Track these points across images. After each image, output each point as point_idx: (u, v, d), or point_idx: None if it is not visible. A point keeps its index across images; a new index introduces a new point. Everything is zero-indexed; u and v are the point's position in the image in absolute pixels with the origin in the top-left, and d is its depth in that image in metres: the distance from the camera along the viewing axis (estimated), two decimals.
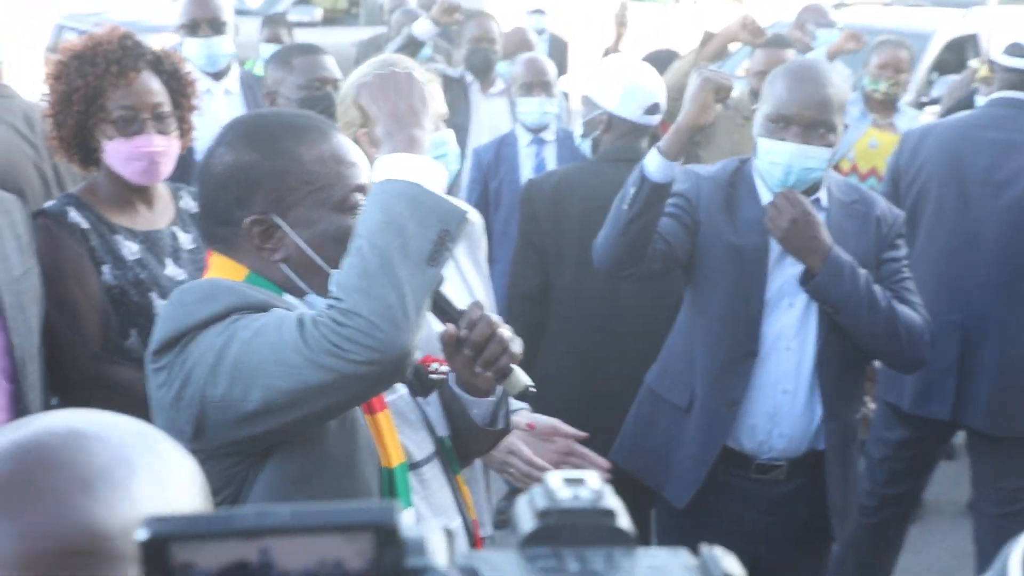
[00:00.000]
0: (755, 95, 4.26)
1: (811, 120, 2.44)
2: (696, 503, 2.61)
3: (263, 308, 1.46)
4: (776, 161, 2.47)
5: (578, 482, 0.64)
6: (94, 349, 2.29)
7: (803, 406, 2.56)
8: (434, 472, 1.68)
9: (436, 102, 2.24)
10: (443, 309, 1.58)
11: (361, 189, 1.56)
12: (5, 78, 3.20)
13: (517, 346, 1.59)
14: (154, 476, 0.78)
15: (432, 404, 1.72)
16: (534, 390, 1.61)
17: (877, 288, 2.50)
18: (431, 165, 1.44)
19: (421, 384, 1.71)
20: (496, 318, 1.58)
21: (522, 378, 1.61)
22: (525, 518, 0.63)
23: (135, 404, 2.22)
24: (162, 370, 1.46)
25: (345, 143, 1.59)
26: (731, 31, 3.74)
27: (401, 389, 1.68)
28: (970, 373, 3.25)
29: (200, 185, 1.60)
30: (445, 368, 1.71)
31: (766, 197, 2.54)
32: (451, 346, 1.58)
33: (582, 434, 2.20)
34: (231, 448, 1.46)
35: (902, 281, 2.60)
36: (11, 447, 0.77)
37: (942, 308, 3.24)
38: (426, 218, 1.38)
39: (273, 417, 1.41)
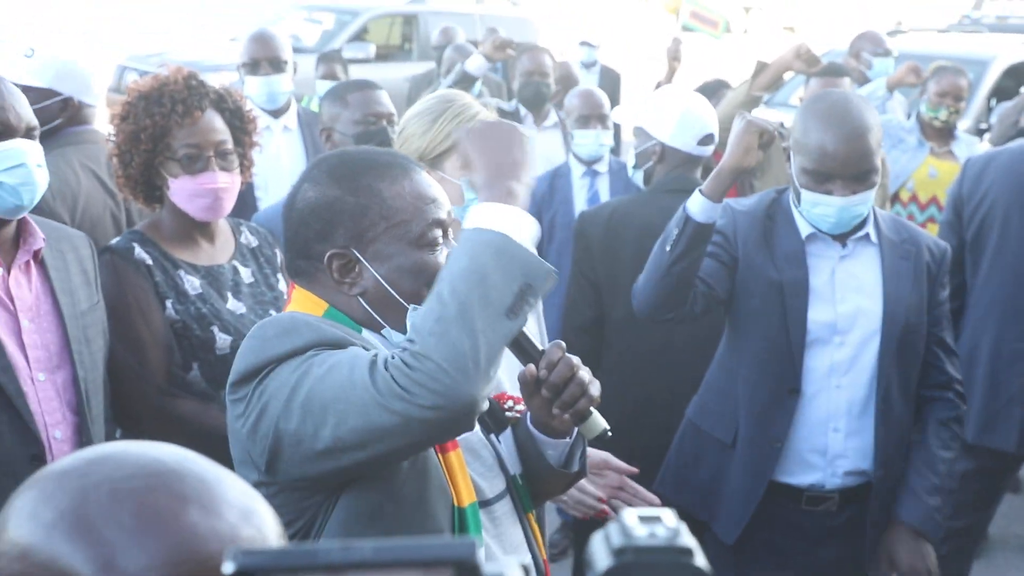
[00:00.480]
0: None
1: (855, 173, 2.40)
2: (747, 536, 2.58)
3: (341, 345, 1.48)
4: (825, 214, 2.46)
5: (654, 520, 0.64)
6: (158, 383, 2.33)
7: (856, 445, 2.53)
8: (505, 510, 1.67)
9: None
10: (523, 348, 1.58)
11: (440, 224, 1.58)
12: (95, 122, 3.27)
13: (596, 389, 1.58)
14: (227, 503, 0.79)
15: (505, 441, 1.71)
16: (611, 435, 1.60)
17: (935, 459, 2.55)
18: (524, 218, 1.44)
19: (495, 421, 1.70)
20: (576, 360, 1.57)
21: (600, 422, 1.60)
22: (601, 556, 0.63)
23: (197, 437, 2.27)
24: (240, 402, 1.49)
25: (426, 180, 1.61)
26: (785, 60, 3.71)
27: (475, 426, 1.68)
28: (1007, 397, 3.19)
29: (285, 220, 1.63)
30: (521, 407, 1.72)
31: (805, 230, 2.53)
32: (529, 386, 1.58)
33: (633, 469, 2.19)
34: (303, 483, 1.48)
35: (942, 326, 2.60)
36: (136, 468, 0.78)
37: (1008, 336, 3.19)
38: (510, 270, 1.38)
39: (343, 455, 1.42)
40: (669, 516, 0.63)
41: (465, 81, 4.36)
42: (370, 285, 1.56)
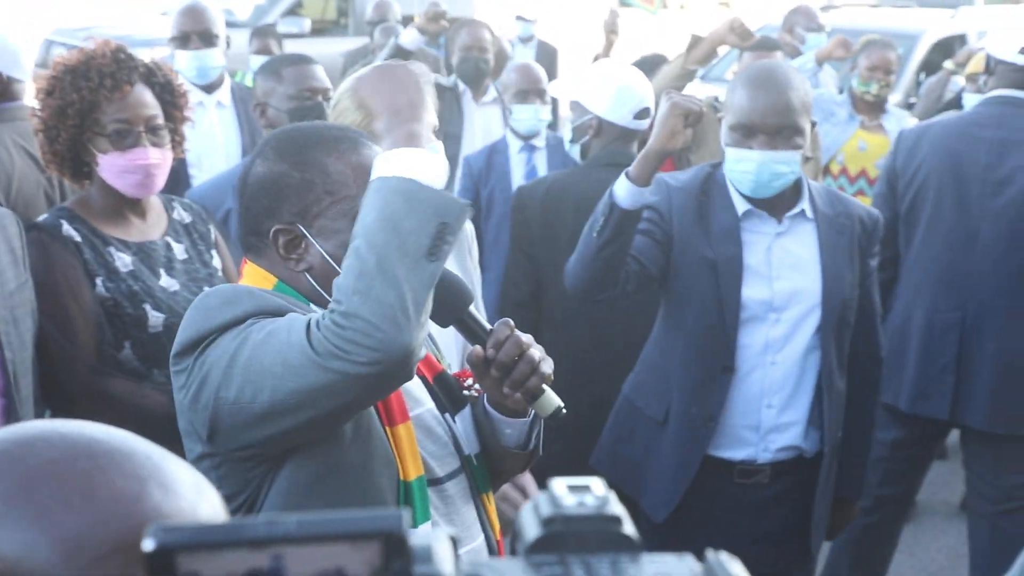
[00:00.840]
0: None
1: (775, 126, 2.41)
2: (678, 513, 2.59)
3: (281, 313, 1.47)
4: (746, 170, 2.45)
5: (583, 489, 0.64)
6: (89, 362, 2.29)
7: (790, 419, 2.56)
8: (458, 489, 1.65)
9: (433, 111, 2.25)
10: (471, 328, 1.57)
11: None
12: (26, 97, 3.17)
13: (548, 366, 1.57)
14: (180, 481, 0.77)
15: (463, 420, 1.69)
16: (565, 411, 1.59)
17: (865, 435, 2.71)
18: (430, 158, 1.42)
19: (452, 400, 1.69)
20: (526, 338, 1.56)
21: (553, 400, 1.59)
22: (530, 525, 0.63)
23: (129, 417, 2.23)
24: (182, 372, 1.48)
25: (375, 155, 1.58)
26: (719, 34, 3.73)
27: (428, 403, 1.66)
28: (969, 371, 3.25)
29: (238, 195, 1.62)
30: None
31: (741, 207, 2.52)
32: (479, 366, 1.58)
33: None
34: (246, 452, 1.47)
35: (871, 293, 2.66)
36: (58, 441, 0.75)
37: (941, 306, 3.25)
38: (423, 213, 1.36)
39: (282, 419, 1.41)
40: (598, 485, 0.63)
41: (399, 55, 4.33)
42: (316, 261, 1.54)
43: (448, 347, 1.76)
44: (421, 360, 1.66)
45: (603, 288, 2.45)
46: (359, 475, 1.51)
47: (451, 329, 1.66)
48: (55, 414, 2.35)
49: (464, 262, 2.41)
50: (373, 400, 1.47)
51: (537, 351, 1.57)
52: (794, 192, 2.54)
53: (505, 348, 1.54)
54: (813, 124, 2.53)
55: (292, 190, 1.54)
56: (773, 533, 2.63)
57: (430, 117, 1.53)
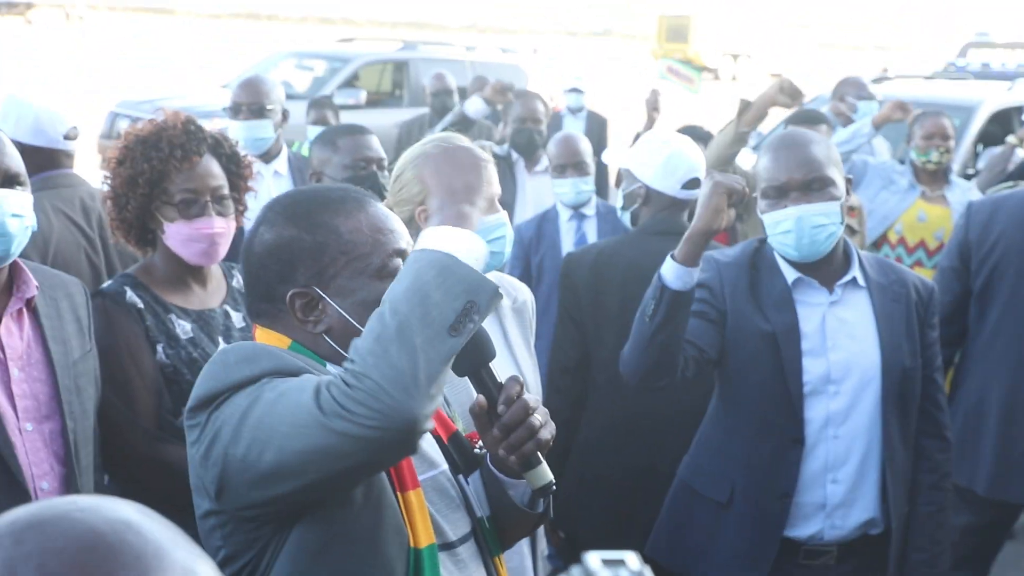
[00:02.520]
0: None
1: (804, 181, 2.41)
2: None
3: (299, 374, 1.47)
4: (786, 229, 2.43)
5: (618, 563, 0.63)
6: (148, 428, 2.32)
7: (857, 496, 2.49)
8: (470, 553, 1.63)
9: (494, 183, 2.27)
10: (485, 384, 1.57)
11: (400, 254, 1.58)
12: (74, 166, 3.30)
13: (547, 433, 1.55)
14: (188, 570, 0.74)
15: (474, 483, 1.69)
16: (555, 488, 1.57)
17: (932, 527, 2.55)
18: (471, 238, 1.43)
19: (464, 461, 1.68)
20: (534, 401, 1.55)
21: (544, 473, 1.57)
22: None
23: (185, 483, 2.26)
24: (195, 427, 1.48)
25: (382, 212, 1.61)
26: (769, 95, 3.75)
27: (442, 465, 1.65)
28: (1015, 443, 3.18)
29: (244, 263, 1.62)
30: None
31: (791, 276, 2.50)
32: (482, 420, 1.57)
33: None
34: (251, 512, 1.47)
35: (934, 367, 2.58)
36: (70, 540, 0.73)
37: (1022, 387, 3.16)
38: (453, 288, 1.36)
39: (286, 480, 1.40)
40: (632, 559, 0.63)
41: (462, 123, 4.42)
42: (334, 321, 1.55)
43: (463, 407, 1.77)
44: (437, 418, 1.67)
45: (661, 375, 2.40)
46: (368, 542, 1.49)
47: (465, 390, 1.64)
48: (113, 480, 2.38)
49: (525, 332, 2.42)
50: (376, 468, 1.45)
51: (540, 417, 1.55)
52: (844, 261, 2.52)
53: (512, 409, 1.53)
54: (848, 182, 2.50)
55: (306, 253, 1.55)
56: None
57: (486, 197, 1.54)
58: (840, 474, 2.48)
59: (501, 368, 1.65)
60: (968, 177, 6.11)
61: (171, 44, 28.31)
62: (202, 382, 1.49)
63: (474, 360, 1.56)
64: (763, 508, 2.49)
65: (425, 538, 1.53)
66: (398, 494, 1.53)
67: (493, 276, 2.42)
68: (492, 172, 2.26)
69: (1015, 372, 3.17)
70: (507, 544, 1.75)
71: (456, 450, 1.67)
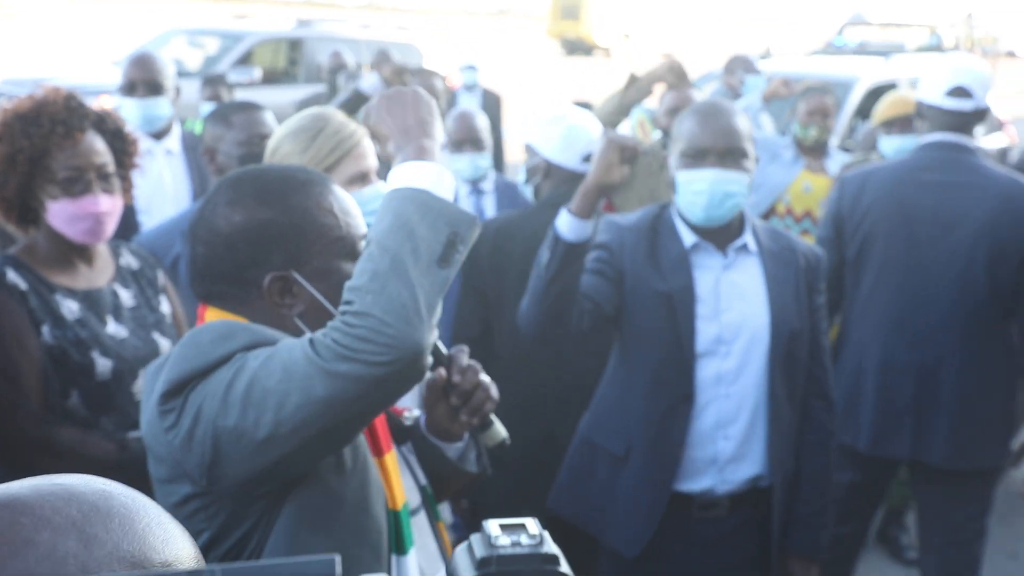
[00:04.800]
0: (667, 136, 4.38)
1: (725, 148, 2.51)
2: (645, 549, 2.60)
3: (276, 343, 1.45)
4: (698, 190, 2.51)
5: (517, 528, 0.63)
6: (35, 411, 2.26)
7: (746, 451, 2.58)
8: (422, 521, 1.67)
9: (370, 156, 2.28)
10: (436, 355, 1.59)
11: (365, 236, 1.59)
12: None
13: (495, 391, 1.62)
14: (145, 522, 0.71)
15: (409, 452, 1.72)
16: (509, 443, 1.63)
17: (819, 481, 2.65)
18: (441, 172, 1.46)
19: (398, 433, 1.70)
20: (478, 364, 1.61)
21: (500, 430, 1.63)
22: (464, 567, 0.62)
23: (79, 466, 2.21)
24: (171, 412, 1.42)
25: (343, 194, 1.62)
26: (657, 73, 3.83)
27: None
28: (927, 411, 3.30)
29: (200, 243, 1.56)
30: (415, 413, 1.73)
31: (688, 240, 2.58)
32: (437, 391, 1.61)
33: None
34: (244, 487, 1.43)
35: (820, 330, 2.67)
36: None
37: (897, 348, 3.30)
38: (435, 221, 1.38)
39: (287, 440, 1.36)
40: (532, 524, 0.63)
41: (357, 100, 4.38)
42: (308, 304, 1.53)
43: None
44: None
45: (555, 325, 2.47)
46: (358, 506, 1.50)
47: None
48: (4, 465, 2.31)
49: None
50: (382, 406, 1.42)
51: (487, 377, 1.62)
52: (737, 226, 2.60)
53: (467, 375, 1.59)
54: (756, 159, 2.59)
55: (282, 236, 1.52)
56: (733, 566, 2.65)
57: (439, 133, 1.55)
58: (731, 431, 2.57)
59: None
60: (847, 150, 6.32)
61: (58, 21, 27.33)
62: (175, 365, 1.43)
63: None
64: (656, 462, 2.58)
65: (400, 499, 1.56)
66: (374, 458, 1.55)
67: None
68: (368, 146, 2.28)
69: (889, 336, 3.32)
70: (439, 501, 1.79)
71: (391, 423, 1.70)
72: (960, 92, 3.34)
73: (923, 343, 3.29)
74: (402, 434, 1.71)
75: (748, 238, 2.61)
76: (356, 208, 1.62)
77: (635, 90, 3.77)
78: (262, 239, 1.52)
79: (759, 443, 2.59)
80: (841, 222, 3.47)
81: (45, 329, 2.28)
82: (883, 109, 4.66)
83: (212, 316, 1.56)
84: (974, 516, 3.36)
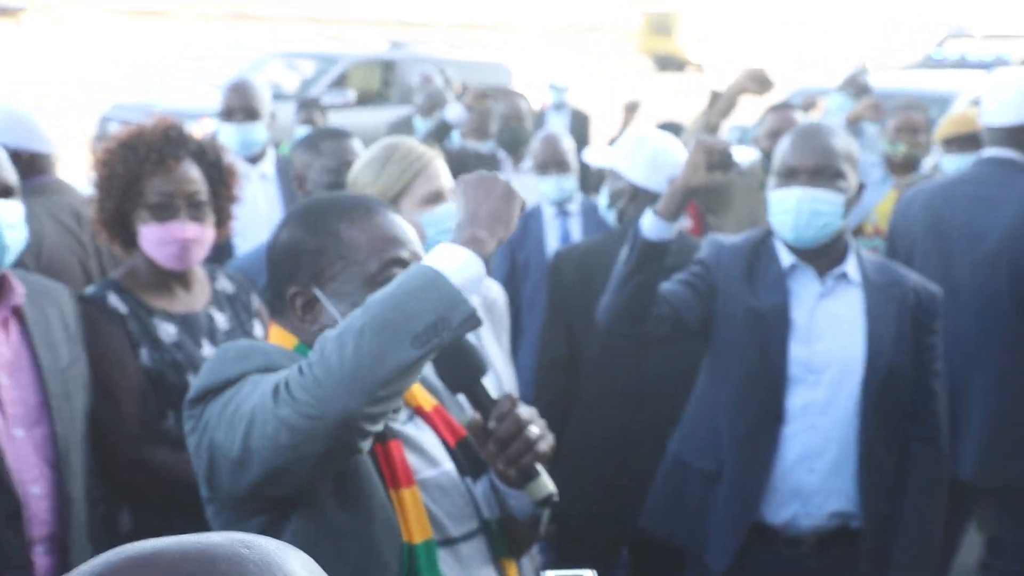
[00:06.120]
0: (768, 158, 4.32)
1: (816, 167, 2.47)
2: (730, 571, 2.57)
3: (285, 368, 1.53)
4: (786, 208, 2.48)
5: None
6: (133, 432, 2.34)
7: (833, 487, 2.51)
8: (475, 551, 1.65)
9: (442, 177, 2.34)
10: (478, 399, 1.59)
11: (398, 263, 1.61)
12: (58, 171, 3.32)
13: (544, 445, 1.58)
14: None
15: (483, 485, 1.70)
16: (556, 499, 1.59)
17: (921, 529, 2.53)
18: (471, 261, 1.46)
19: (472, 464, 1.70)
20: (528, 414, 1.57)
21: (545, 485, 1.58)
22: None
23: (173, 485, 2.29)
24: (191, 419, 1.55)
25: (390, 220, 1.65)
26: (739, 84, 3.76)
27: (447, 465, 1.68)
28: (959, 425, 3.22)
29: (266, 262, 1.70)
30: None
31: (786, 260, 2.54)
32: (479, 435, 1.60)
33: None
34: (238, 503, 1.52)
35: (930, 374, 2.56)
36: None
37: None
38: (429, 301, 1.40)
39: (250, 468, 1.45)
40: (589, 574, 0.64)
41: (443, 130, 4.45)
42: (328, 322, 1.60)
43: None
44: (445, 424, 1.71)
45: (631, 321, 2.48)
46: (360, 538, 1.52)
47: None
48: (103, 483, 2.40)
49: (498, 333, 2.47)
50: (318, 463, 1.45)
51: (536, 430, 1.57)
52: (839, 253, 2.55)
53: (504, 424, 1.56)
54: (862, 186, 2.54)
55: (308, 255, 1.62)
56: None
57: (506, 230, 1.55)
58: (816, 464, 2.51)
59: None
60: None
61: (162, 47, 28.28)
62: (201, 377, 1.56)
63: (465, 377, 1.59)
64: (742, 482, 2.54)
65: (420, 534, 1.56)
66: (391, 491, 1.56)
67: None
68: (439, 166, 2.34)
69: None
70: (520, 549, 1.75)
71: (464, 454, 1.70)
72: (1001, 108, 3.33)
73: (953, 358, 3.19)
74: (478, 467, 1.70)
75: (850, 267, 2.55)
76: (406, 236, 1.64)
77: (719, 107, 3.73)
78: (291, 256, 1.63)
79: (848, 480, 2.51)
80: (894, 239, 3.52)
81: (144, 352, 2.37)
82: (944, 127, 4.57)
83: (273, 329, 1.68)
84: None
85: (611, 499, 3.13)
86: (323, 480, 1.51)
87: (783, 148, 2.53)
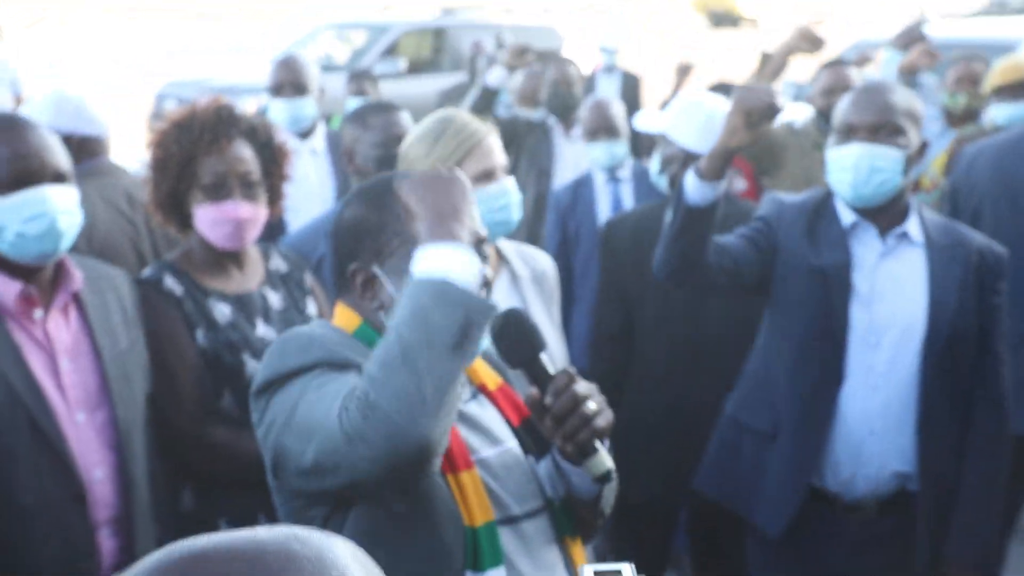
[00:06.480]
0: (822, 116, 4.23)
1: (874, 123, 2.42)
2: (788, 535, 2.55)
3: (346, 366, 1.54)
4: (845, 166, 2.43)
5: (614, 574, 0.64)
6: (191, 411, 2.37)
7: (891, 449, 2.47)
8: (538, 529, 1.65)
9: (496, 153, 2.31)
10: (536, 374, 1.59)
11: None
12: (111, 153, 3.36)
13: (604, 420, 1.56)
14: None
15: (547, 464, 1.70)
16: (614, 476, 1.58)
17: (984, 490, 2.49)
18: (464, 256, 1.48)
19: (537, 443, 1.69)
20: (585, 389, 1.56)
21: (603, 462, 1.57)
22: None
23: (233, 463, 2.32)
24: (257, 410, 1.59)
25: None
26: (789, 44, 3.66)
27: (507, 443, 1.68)
28: None
29: (330, 241, 1.72)
30: None
31: (848, 218, 2.50)
32: (537, 410, 1.59)
33: None
34: (302, 495, 1.56)
35: (994, 336, 2.52)
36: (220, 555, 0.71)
37: (1011, 320, 3.15)
38: (450, 310, 1.42)
39: (324, 478, 1.48)
40: (627, 570, 0.63)
41: (487, 96, 4.40)
42: (387, 299, 1.62)
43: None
44: (509, 402, 1.71)
45: (683, 275, 2.46)
46: (422, 525, 1.54)
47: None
48: (165, 463, 2.44)
49: (549, 306, 2.45)
50: (398, 482, 1.50)
51: (593, 405, 1.56)
52: (901, 212, 2.50)
53: (561, 399, 1.55)
54: (925, 143, 2.48)
55: (368, 233, 1.62)
56: (881, 569, 2.56)
57: (472, 220, 1.56)
58: (876, 426, 2.47)
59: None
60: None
61: (214, 23, 28.49)
62: (263, 368, 1.58)
63: (523, 353, 1.59)
64: (800, 444, 2.50)
65: (481, 516, 1.56)
66: (448, 476, 1.56)
67: (508, 246, 2.45)
68: (493, 143, 2.29)
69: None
70: (587, 530, 1.75)
71: (528, 433, 1.70)
72: None
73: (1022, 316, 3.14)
74: (542, 446, 1.69)
75: (912, 227, 2.50)
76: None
77: (770, 69, 3.65)
78: (353, 234, 1.64)
79: (907, 442, 2.48)
80: (956, 196, 3.44)
81: (199, 333, 2.39)
82: (995, 75, 4.42)
83: (339, 308, 1.68)
84: None
85: (669, 466, 3.12)
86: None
87: (843, 106, 2.48)
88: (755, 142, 2.35)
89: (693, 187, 2.34)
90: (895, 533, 2.54)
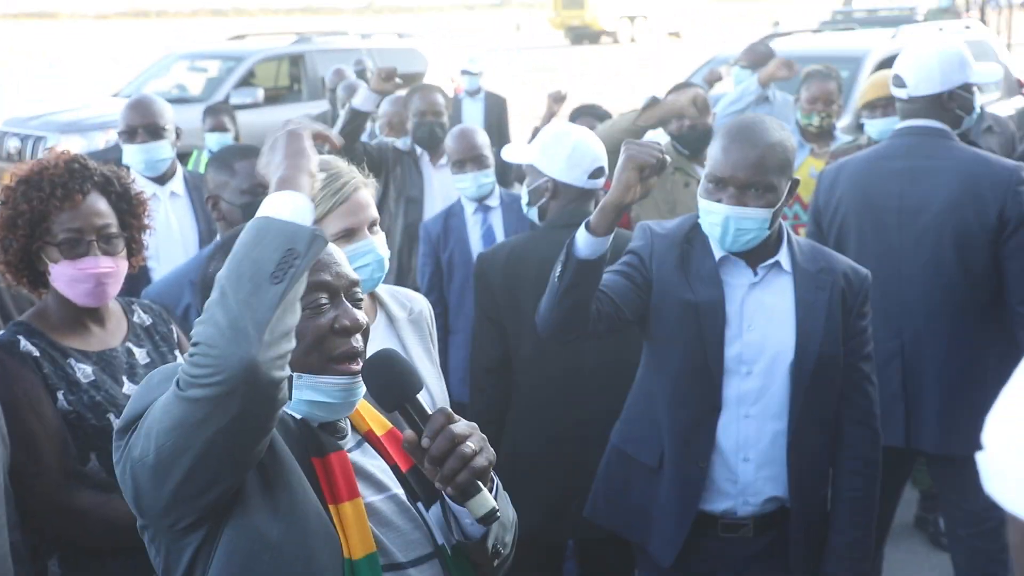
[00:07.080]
0: (675, 139, 4.35)
1: (744, 181, 2.41)
2: (678, 560, 2.59)
3: None
4: (713, 221, 2.46)
5: None
6: (55, 478, 2.26)
7: (767, 475, 2.54)
8: None
9: (364, 208, 2.27)
10: (411, 417, 1.55)
11: (321, 287, 1.61)
12: None
13: (483, 460, 1.53)
14: None
15: (436, 512, 1.67)
16: (499, 516, 1.55)
17: (854, 510, 2.56)
18: (293, 197, 1.50)
19: (424, 491, 1.66)
20: (464, 428, 1.53)
21: (485, 501, 1.53)
22: None
23: (102, 528, 2.22)
24: (118, 449, 1.52)
25: (333, 248, 1.66)
26: (678, 105, 3.76)
27: (392, 489, 1.65)
28: (915, 397, 3.29)
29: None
30: None
31: (718, 253, 2.53)
32: (416, 453, 1.56)
33: None
34: (170, 519, 1.49)
35: (860, 356, 2.59)
36: None
37: (880, 337, 3.27)
38: (271, 242, 1.44)
39: (171, 469, 1.43)
40: None
41: (356, 119, 4.32)
42: None
43: None
44: (398, 448, 1.67)
45: (571, 331, 2.45)
46: (295, 551, 1.49)
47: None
48: (29, 533, 2.31)
49: (426, 343, 2.42)
50: (243, 428, 1.44)
51: (472, 445, 1.53)
52: (773, 243, 2.53)
53: (438, 440, 1.52)
54: (795, 183, 2.50)
55: None
56: None
57: (308, 163, 1.60)
58: (751, 453, 2.53)
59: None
60: (861, 127, 6.27)
61: (57, 50, 27.45)
62: (129, 406, 1.54)
63: (398, 395, 1.55)
64: (683, 477, 2.55)
65: (362, 549, 1.52)
66: (331, 506, 1.53)
67: (383, 289, 2.42)
68: (366, 197, 2.26)
69: (872, 324, 3.34)
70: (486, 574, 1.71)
71: (415, 480, 1.66)
72: (899, 81, 3.39)
73: (904, 330, 3.29)
74: (431, 494, 1.66)
75: (783, 256, 2.54)
76: (332, 260, 1.65)
77: (651, 115, 3.71)
78: None
79: (780, 468, 2.54)
80: (819, 215, 3.50)
81: (60, 395, 2.29)
82: (865, 91, 4.62)
83: None
84: (993, 504, 3.32)
85: (553, 497, 3.12)
86: (248, 466, 1.49)
87: (716, 151, 2.45)
88: (646, 195, 2.36)
89: (584, 242, 2.32)
90: (773, 551, 2.60)
